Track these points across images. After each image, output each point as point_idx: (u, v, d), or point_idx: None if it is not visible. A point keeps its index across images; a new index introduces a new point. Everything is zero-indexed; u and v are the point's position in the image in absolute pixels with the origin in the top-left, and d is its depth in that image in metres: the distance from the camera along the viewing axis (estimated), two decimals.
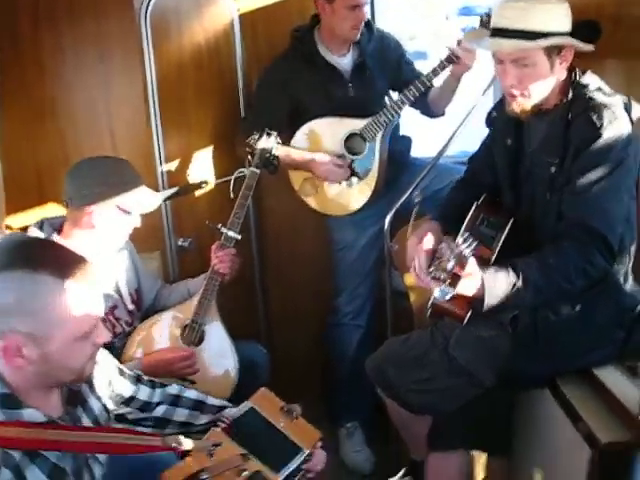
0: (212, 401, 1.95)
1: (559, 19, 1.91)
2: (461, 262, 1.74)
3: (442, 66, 2.76)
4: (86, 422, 1.59)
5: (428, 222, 2.27)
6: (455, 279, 1.76)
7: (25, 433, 1.37)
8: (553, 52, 1.93)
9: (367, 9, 2.87)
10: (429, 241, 2.10)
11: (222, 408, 1.92)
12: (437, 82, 2.87)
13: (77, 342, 1.42)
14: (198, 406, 1.92)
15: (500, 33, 1.94)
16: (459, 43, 2.67)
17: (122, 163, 2.31)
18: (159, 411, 1.88)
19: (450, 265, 1.72)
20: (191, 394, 1.94)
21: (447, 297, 1.78)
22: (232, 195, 2.60)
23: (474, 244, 1.76)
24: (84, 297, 1.41)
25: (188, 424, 1.91)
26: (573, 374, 2.10)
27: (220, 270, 2.50)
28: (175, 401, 1.91)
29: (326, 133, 2.94)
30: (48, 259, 1.39)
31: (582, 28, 2.00)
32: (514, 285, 1.85)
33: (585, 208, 1.90)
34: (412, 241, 2.17)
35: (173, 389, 1.93)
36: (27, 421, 1.40)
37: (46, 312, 1.36)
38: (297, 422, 1.82)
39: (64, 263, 1.40)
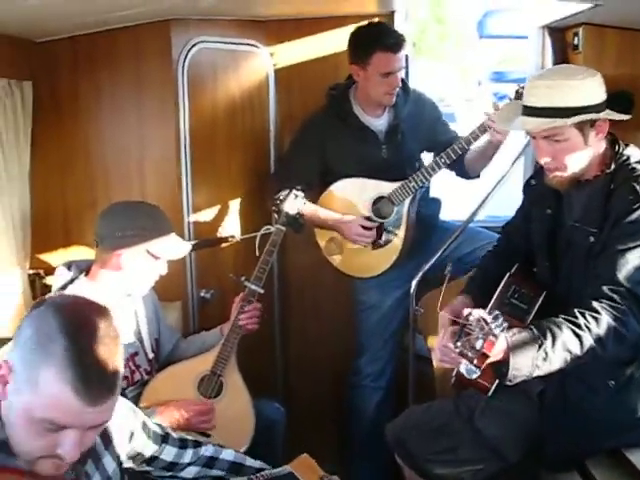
0: (250, 462, 1.89)
1: (587, 93, 1.89)
2: (490, 341, 1.68)
3: (475, 135, 2.72)
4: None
5: (460, 296, 2.21)
6: (482, 358, 1.70)
7: None
8: (585, 125, 1.91)
9: (400, 74, 2.86)
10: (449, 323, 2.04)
11: (260, 470, 1.86)
12: (474, 146, 2.84)
13: (34, 425, 1.25)
14: (235, 468, 1.86)
15: (529, 111, 1.93)
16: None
17: (156, 209, 2.33)
18: (190, 472, 1.81)
19: (479, 344, 1.67)
20: (228, 456, 1.87)
21: (473, 376, 1.72)
22: (257, 253, 2.58)
23: (504, 323, 1.71)
24: (80, 412, 1.23)
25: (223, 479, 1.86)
26: (604, 456, 2.02)
27: (247, 327, 2.49)
28: (210, 463, 1.85)
29: (355, 194, 2.92)
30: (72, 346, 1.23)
31: (616, 99, 1.99)
32: (541, 345, 1.75)
33: (620, 270, 1.83)
34: (443, 316, 2.11)
35: (208, 451, 1.85)
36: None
37: (35, 388, 1.22)
38: None
39: (85, 376, 1.22)
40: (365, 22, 2.85)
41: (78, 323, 1.26)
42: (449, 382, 2.11)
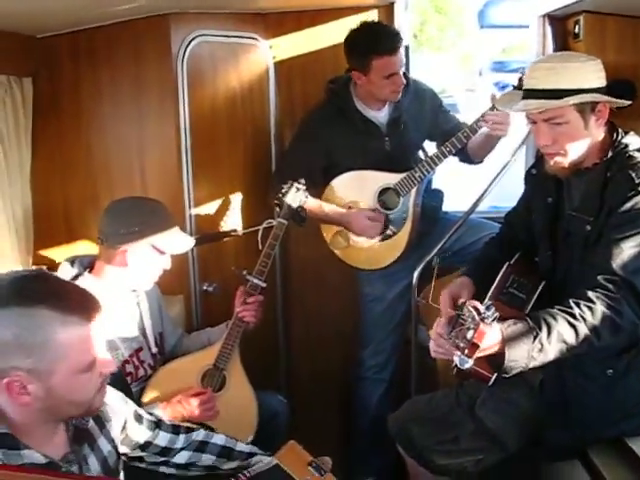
0: (241, 447, 1.91)
1: (588, 76, 1.89)
2: (480, 331, 1.68)
3: (479, 124, 2.72)
4: (93, 462, 1.56)
5: (460, 277, 2.22)
6: (473, 348, 1.70)
7: (20, 478, 1.32)
8: (586, 109, 1.90)
9: (402, 70, 2.82)
10: (449, 304, 2.06)
11: (251, 454, 1.89)
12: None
13: (81, 374, 1.40)
14: (226, 453, 1.89)
15: (530, 94, 1.93)
16: (493, 107, 2.64)
17: (158, 204, 2.34)
18: (183, 456, 1.85)
19: (470, 334, 1.66)
20: (219, 440, 1.91)
21: (465, 366, 1.71)
22: (260, 246, 2.59)
23: (496, 313, 1.70)
24: (84, 328, 1.39)
25: (214, 467, 1.88)
26: (605, 443, 2.02)
27: (246, 319, 2.49)
28: (201, 447, 1.88)
29: (360, 186, 2.91)
30: (43, 293, 1.38)
31: (617, 87, 1.99)
32: (536, 336, 1.73)
33: (614, 259, 1.82)
34: (445, 297, 2.12)
35: (199, 435, 1.89)
36: (26, 464, 1.37)
37: (46, 346, 1.35)
38: (326, 478, 1.78)
39: (60, 296, 1.39)
40: (359, 22, 2.79)
41: (33, 289, 1.38)
42: (451, 373, 2.11)
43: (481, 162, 3.01)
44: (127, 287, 2.31)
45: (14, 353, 1.33)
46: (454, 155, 2.89)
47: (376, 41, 2.71)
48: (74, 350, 1.38)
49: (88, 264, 2.30)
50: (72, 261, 2.29)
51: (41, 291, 1.38)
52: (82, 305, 1.41)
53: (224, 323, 2.58)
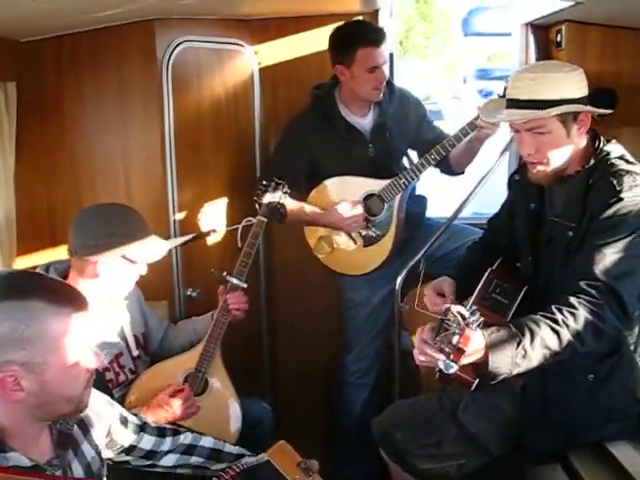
0: (229, 449, 1.92)
1: (570, 86, 1.91)
2: (466, 336, 1.69)
3: (465, 132, 2.74)
4: (76, 467, 1.56)
5: (444, 278, 2.24)
6: (459, 353, 1.71)
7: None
8: (568, 119, 1.93)
9: (386, 68, 2.88)
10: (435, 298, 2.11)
11: (240, 456, 1.89)
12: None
13: (72, 368, 1.42)
14: (215, 455, 1.90)
15: (513, 103, 1.95)
16: (478, 117, 2.66)
17: (128, 212, 2.28)
18: (170, 459, 1.86)
19: (455, 339, 1.68)
20: (207, 442, 1.92)
21: (451, 371, 1.72)
22: (239, 244, 2.59)
23: (480, 318, 1.71)
24: (75, 321, 1.41)
25: (203, 468, 1.89)
26: (587, 449, 2.03)
27: (235, 312, 2.48)
28: (189, 451, 1.89)
29: (344, 192, 2.92)
30: (35, 286, 1.41)
31: (599, 95, 2.01)
32: (519, 343, 1.74)
33: (596, 265, 1.83)
34: (429, 293, 2.15)
35: (187, 438, 1.90)
36: (11, 466, 1.37)
37: (40, 337, 1.36)
38: (314, 479, 1.80)
39: (52, 290, 1.42)
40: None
41: (25, 283, 1.42)
42: (435, 377, 2.12)
43: (462, 173, 3.04)
44: (103, 297, 2.24)
45: (9, 346, 1.34)
46: (436, 167, 2.91)
47: (361, 31, 2.79)
48: (66, 341, 1.39)
49: (63, 271, 2.24)
50: (47, 268, 2.24)
51: (33, 285, 1.41)
52: (72, 298, 1.44)
53: (209, 313, 2.56)
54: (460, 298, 2.09)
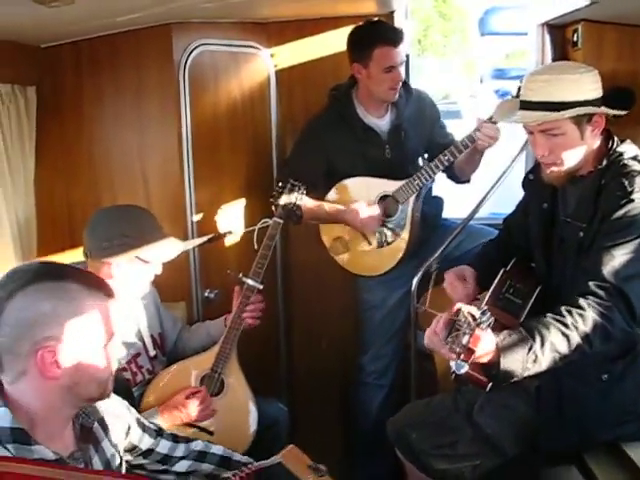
0: (238, 458, 1.95)
1: (584, 87, 1.91)
2: (476, 336, 1.70)
3: (470, 139, 2.74)
4: (97, 462, 1.58)
5: (464, 267, 2.27)
6: (469, 353, 1.72)
7: (36, 471, 1.35)
8: (582, 120, 1.93)
9: (402, 69, 2.88)
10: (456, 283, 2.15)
11: (248, 464, 1.90)
12: None
13: (104, 349, 1.48)
14: (224, 463, 1.92)
15: (527, 105, 1.95)
16: (491, 118, 2.65)
17: (142, 213, 2.30)
18: (183, 465, 1.88)
19: (465, 339, 1.68)
20: (217, 450, 1.94)
21: (461, 371, 1.73)
22: (255, 245, 2.61)
23: (491, 318, 1.72)
24: (106, 303, 1.49)
25: (214, 476, 1.91)
26: (602, 449, 2.03)
27: (249, 321, 2.50)
28: (200, 457, 1.91)
29: (360, 193, 2.92)
30: (70, 272, 1.49)
31: (616, 95, 2.00)
32: (530, 347, 1.75)
33: (605, 266, 1.83)
34: (450, 276, 2.17)
35: (198, 445, 1.92)
36: (35, 459, 1.40)
37: (79, 315, 1.42)
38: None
39: (86, 275, 1.52)
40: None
41: (59, 268, 1.51)
42: (451, 378, 2.12)
43: (468, 181, 3.04)
44: (119, 298, 2.26)
45: (50, 324, 1.40)
46: (443, 171, 2.91)
47: (380, 31, 2.81)
48: (101, 321, 1.46)
49: None
50: None
51: (67, 270, 1.50)
52: (103, 284, 1.53)
53: (222, 317, 2.58)
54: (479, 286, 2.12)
